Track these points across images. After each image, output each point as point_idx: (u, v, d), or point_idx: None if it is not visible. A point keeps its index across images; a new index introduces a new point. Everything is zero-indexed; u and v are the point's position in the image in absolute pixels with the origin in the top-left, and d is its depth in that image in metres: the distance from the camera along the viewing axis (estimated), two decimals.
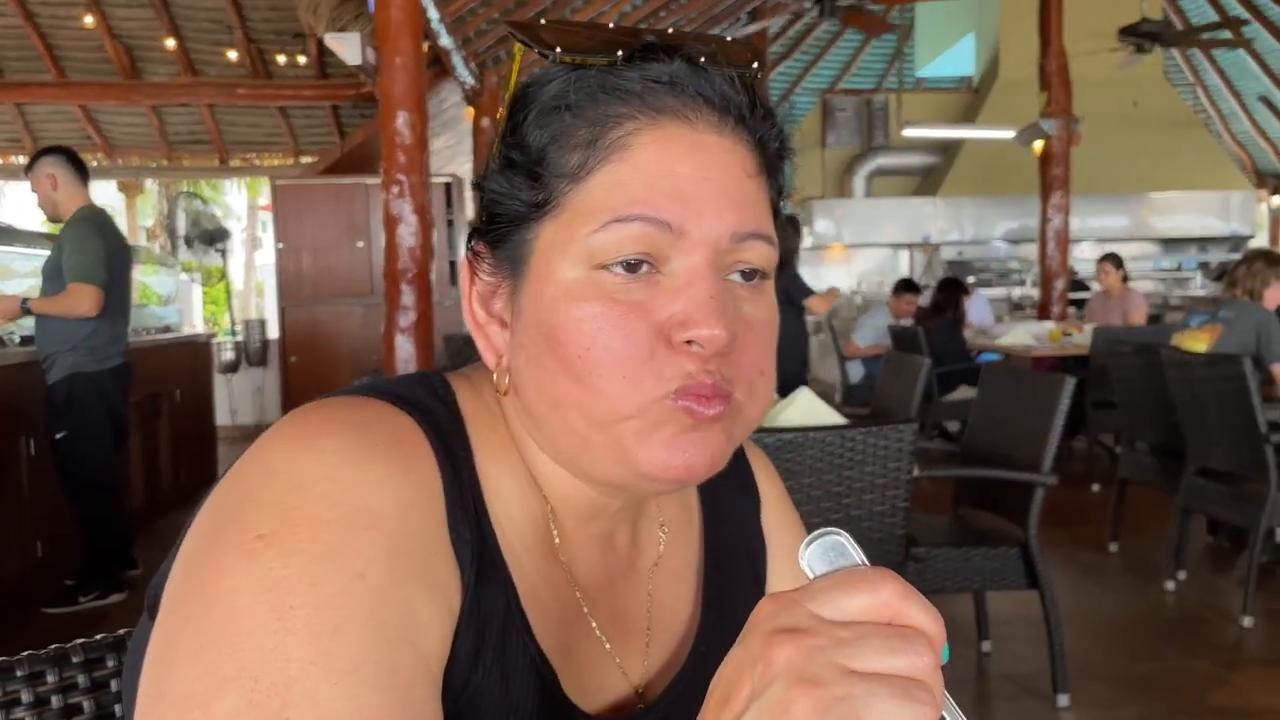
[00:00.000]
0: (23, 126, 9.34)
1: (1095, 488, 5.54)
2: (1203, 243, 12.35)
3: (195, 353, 6.04)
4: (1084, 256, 10.90)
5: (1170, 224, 12.20)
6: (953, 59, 13.32)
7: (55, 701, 0.76)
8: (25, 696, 0.75)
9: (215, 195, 15.98)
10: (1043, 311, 8.13)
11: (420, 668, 0.50)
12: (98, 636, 0.80)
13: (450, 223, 7.84)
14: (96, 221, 3.72)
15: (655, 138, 0.55)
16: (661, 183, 0.54)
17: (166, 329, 6.37)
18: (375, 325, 7.36)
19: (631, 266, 0.54)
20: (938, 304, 6.80)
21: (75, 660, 0.78)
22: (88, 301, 3.58)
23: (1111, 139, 11.27)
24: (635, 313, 0.54)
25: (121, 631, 0.81)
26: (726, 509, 0.74)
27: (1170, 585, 3.80)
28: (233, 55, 8.51)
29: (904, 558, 2.46)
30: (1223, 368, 3.43)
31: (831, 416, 2.67)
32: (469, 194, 8.77)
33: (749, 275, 0.57)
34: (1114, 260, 6.87)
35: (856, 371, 7.15)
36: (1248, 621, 3.37)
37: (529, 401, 0.58)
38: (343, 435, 0.53)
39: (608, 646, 0.63)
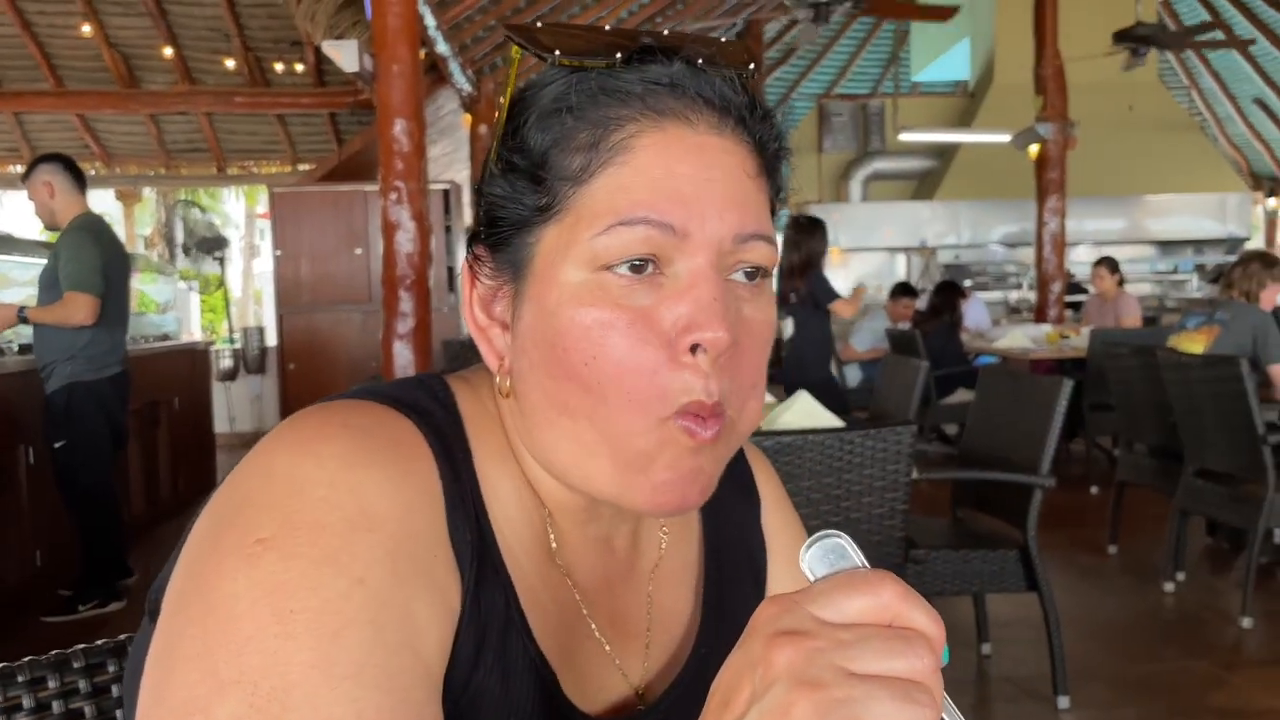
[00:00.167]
0: (20, 136, 9.35)
1: (1093, 490, 5.55)
2: (1199, 245, 12.36)
3: (194, 360, 6.04)
4: (1080, 259, 10.91)
5: (1166, 226, 12.22)
6: (948, 64, 13.34)
7: (57, 707, 0.76)
8: (26, 702, 0.75)
9: (213, 203, 15.98)
10: (1040, 314, 8.14)
11: (420, 670, 0.50)
12: (99, 642, 0.80)
13: (448, 229, 7.84)
14: (93, 230, 3.71)
15: (657, 140, 0.55)
16: (664, 185, 0.55)
17: (165, 337, 6.37)
18: (374, 332, 7.38)
19: (636, 268, 0.54)
20: (935, 307, 6.81)
21: (76, 666, 0.78)
22: (83, 310, 3.58)
23: (1107, 142, 11.29)
24: (641, 321, 0.54)
25: (123, 637, 0.81)
26: (727, 511, 0.74)
27: (1169, 587, 3.80)
28: (230, 64, 8.52)
29: (903, 560, 2.46)
30: (1219, 369, 3.43)
31: (830, 420, 2.67)
32: (467, 200, 8.78)
33: (750, 275, 0.57)
34: (1109, 264, 6.88)
35: (854, 375, 7.16)
36: (1247, 622, 3.37)
37: (532, 405, 0.58)
38: (342, 439, 0.53)
39: (607, 648, 0.63)
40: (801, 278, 4.75)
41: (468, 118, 8.12)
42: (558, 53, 0.56)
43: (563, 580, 0.62)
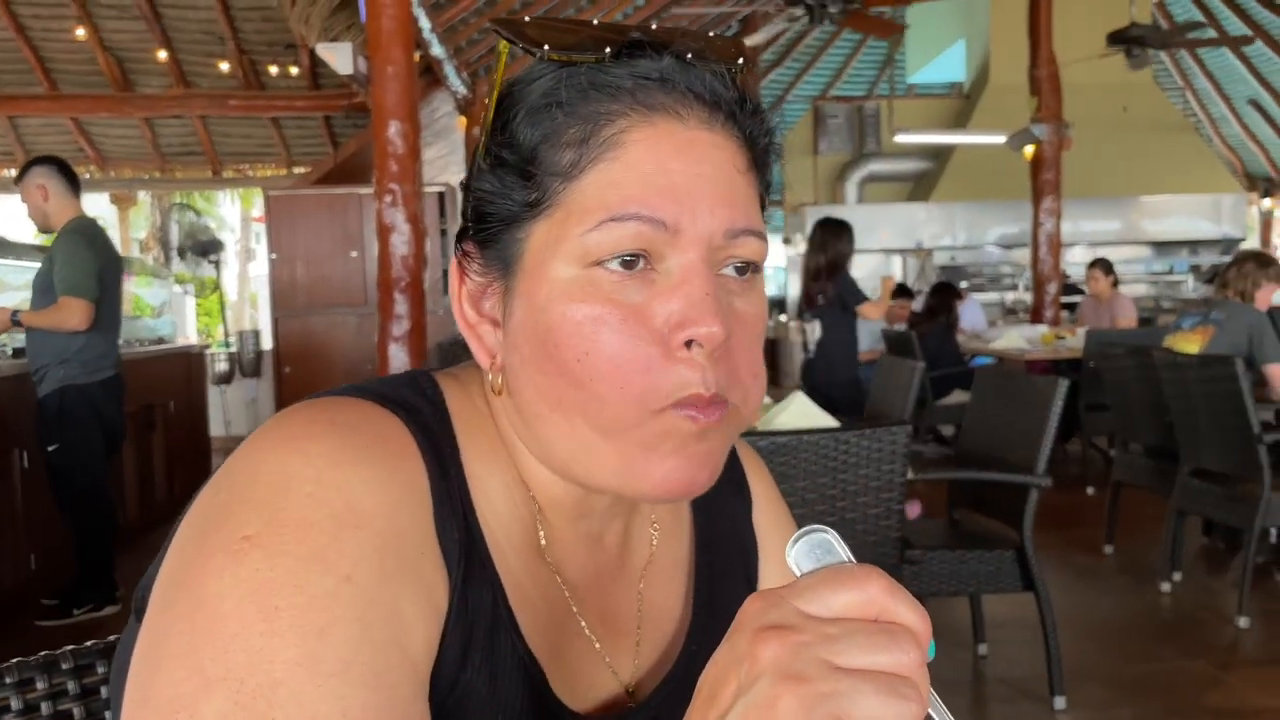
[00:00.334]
0: (15, 139, 9.34)
1: (1090, 490, 5.55)
2: (1194, 245, 12.39)
3: (189, 364, 6.02)
4: (1076, 260, 10.93)
5: (1162, 227, 12.24)
6: (943, 65, 13.37)
7: (45, 708, 0.75)
8: (14, 703, 0.75)
9: (208, 207, 15.96)
10: (1035, 315, 8.15)
11: (407, 668, 0.50)
12: (88, 643, 0.79)
13: (443, 232, 7.84)
14: (88, 233, 3.70)
15: (647, 135, 0.55)
16: (655, 180, 0.54)
17: (160, 340, 6.36)
18: (369, 335, 7.36)
19: (627, 264, 0.54)
20: (931, 309, 6.81)
21: (65, 667, 0.77)
22: (78, 315, 3.57)
23: (1102, 143, 11.32)
24: (633, 316, 0.54)
25: (112, 638, 0.80)
26: (718, 508, 0.74)
27: (1166, 587, 3.80)
28: (225, 67, 8.52)
29: (899, 560, 2.46)
30: (1215, 369, 3.44)
31: (825, 420, 2.67)
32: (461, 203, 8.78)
33: (741, 270, 0.57)
34: (1103, 266, 6.89)
35: None
36: (1243, 622, 3.37)
37: (524, 402, 0.58)
38: (329, 436, 0.53)
39: (597, 646, 0.63)
40: (829, 279, 4.79)
41: (463, 120, 8.12)
42: (546, 47, 0.55)
43: (552, 578, 0.62)
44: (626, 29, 0.57)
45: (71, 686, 0.77)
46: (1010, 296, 11.46)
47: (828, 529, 0.42)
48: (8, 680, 0.75)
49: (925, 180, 12.95)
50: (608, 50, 0.56)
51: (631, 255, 0.54)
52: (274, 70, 8.55)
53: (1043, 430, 2.66)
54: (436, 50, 6.64)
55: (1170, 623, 3.54)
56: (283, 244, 7.58)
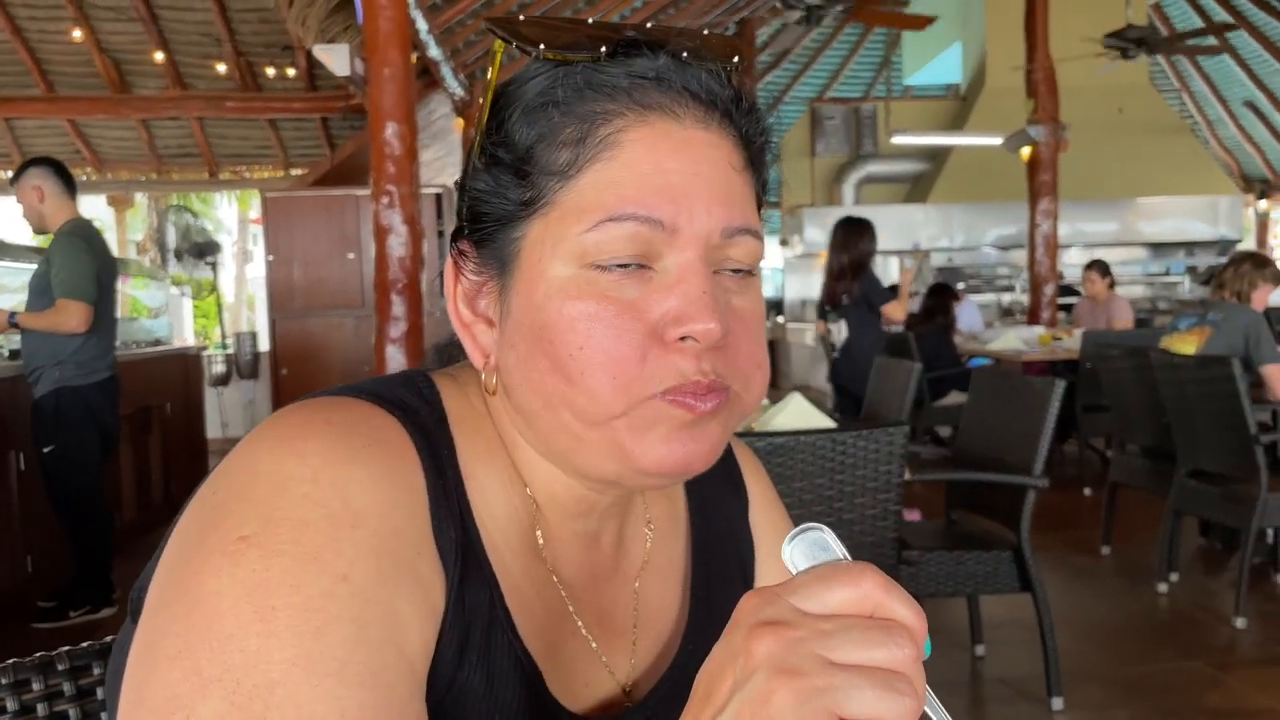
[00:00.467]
0: (11, 141, 9.32)
1: (1087, 491, 5.56)
2: (1190, 247, 12.42)
3: (186, 365, 6.02)
4: (1073, 262, 10.95)
5: (1158, 229, 12.27)
6: (940, 67, 13.39)
7: (41, 709, 0.75)
8: (10, 704, 0.75)
9: (205, 209, 15.95)
10: (1032, 316, 8.16)
11: (404, 668, 0.49)
12: (83, 644, 0.79)
13: (440, 233, 7.84)
14: (85, 236, 3.70)
15: (644, 134, 0.55)
16: (653, 180, 0.54)
17: (157, 342, 6.35)
18: (367, 336, 7.35)
19: (624, 263, 0.54)
20: (928, 310, 6.82)
21: (61, 668, 0.77)
22: (76, 318, 3.57)
23: (1099, 145, 11.33)
24: (629, 312, 0.54)
25: (108, 639, 0.80)
26: (714, 507, 0.74)
27: (1163, 587, 3.80)
28: (222, 68, 8.51)
29: (897, 561, 2.46)
30: (1212, 370, 3.44)
31: (823, 421, 2.67)
32: None
33: (738, 269, 0.57)
34: (1100, 268, 6.89)
35: None
36: (1240, 623, 3.38)
37: (520, 400, 0.58)
38: (325, 436, 0.53)
39: (594, 645, 0.63)
40: (854, 279, 4.82)
41: (460, 122, 8.11)
42: (542, 47, 0.55)
43: (549, 577, 0.62)
44: (622, 28, 0.57)
45: (68, 688, 0.77)
46: (1007, 298, 11.47)
47: (823, 527, 0.42)
48: (3, 681, 0.75)
49: (922, 182, 12.97)
50: (603, 49, 0.56)
51: (629, 255, 0.54)
52: (271, 72, 8.55)
53: (1040, 431, 2.66)
54: (433, 52, 6.64)
55: (1167, 623, 3.54)
56: (280, 246, 7.57)
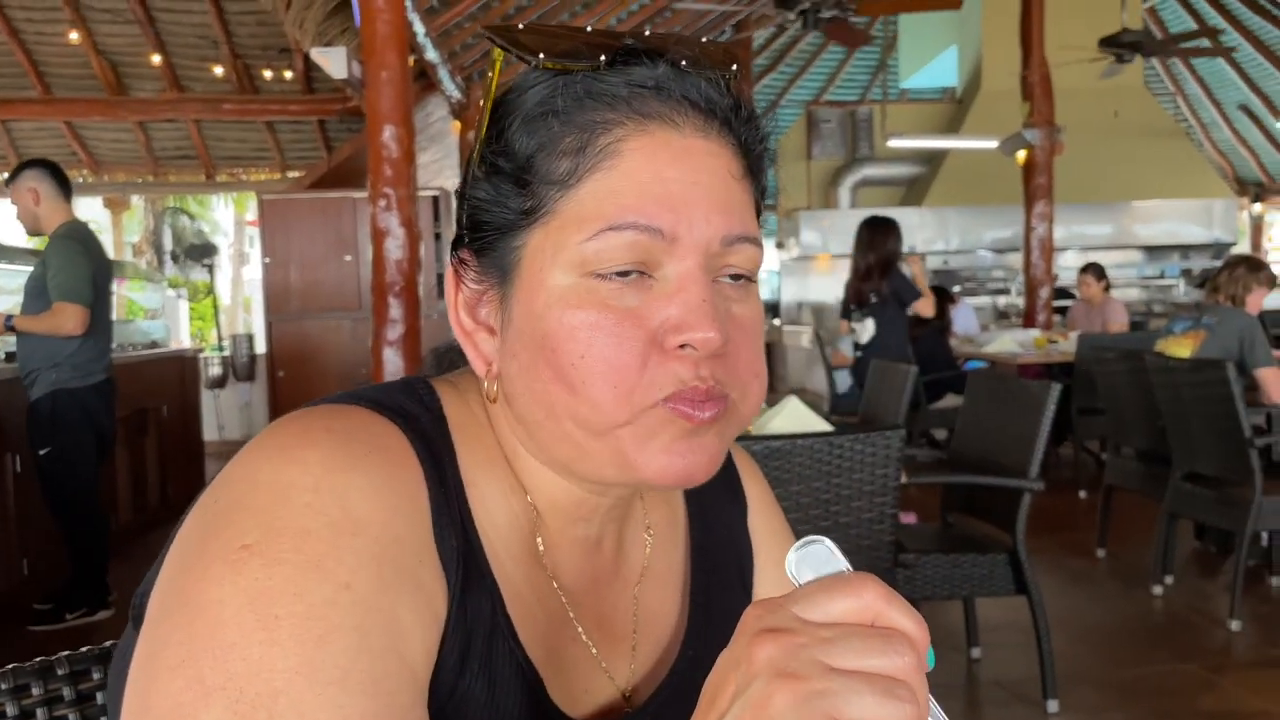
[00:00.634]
0: (8, 143, 9.32)
1: (1082, 494, 5.57)
2: (1185, 250, 12.44)
3: (183, 368, 6.01)
4: (1068, 265, 10.97)
5: (1153, 231, 12.30)
6: (936, 70, 13.42)
7: (41, 715, 0.75)
8: (10, 710, 0.75)
9: (202, 211, 15.93)
10: (1028, 319, 8.17)
11: (406, 675, 0.50)
12: (83, 649, 0.79)
13: (438, 236, 7.84)
14: (80, 238, 3.69)
15: (644, 144, 0.55)
16: (652, 189, 0.54)
17: (154, 344, 6.34)
18: (364, 339, 7.36)
19: (624, 272, 0.54)
20: None
21: (60, 673, 0.77)
22: (73, 320, 3.56)
23: (1094, 148, 11.36)
24: (629, 320, 0.54)
25: (108, 644, 0.80)
26: (713, 513, 0.74)
27: (1158, 590, 3.81)
28: (219, 71, 8.51)
29: (893, 564, 2.46)
30: (1206, 373, 3.45)
31: (819, 424, 2.68)
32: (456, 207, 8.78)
33: (737, 276, 0.58)
34: (1095, 271, 6.91)
35: (844, 381, 7.17)
36: (1235, 625, 3.38)
37: (521, 408, 0.58)
38: (326, 444, 0.53)
39: (594, 651, 0.63)
40: (882, 278, 4.87)
41: (457, 124, 8.12)
42: (542, 56, 0.56)
43: (549, 584, 0.62)
44: (620, 36, 0.57)
45: (67, 692, 0.77)
46: (1003, 300, 11.49)
47: (826, 540, 0.43)
48: (3, 686, 0.75)
49: (918, 185, 12.98)
50: (602, 58, 0.56)
51: (629, 263, 0.54)
52: (268, 74, 8.54)
53: (1035, 434, 2.67)
54: (431, 55, 6.65)
55: (1162, 626, 3.55)
56: (277, 248, 7.57)
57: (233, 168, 9.83)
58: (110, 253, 8.88)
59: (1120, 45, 8.02)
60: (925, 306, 5.02)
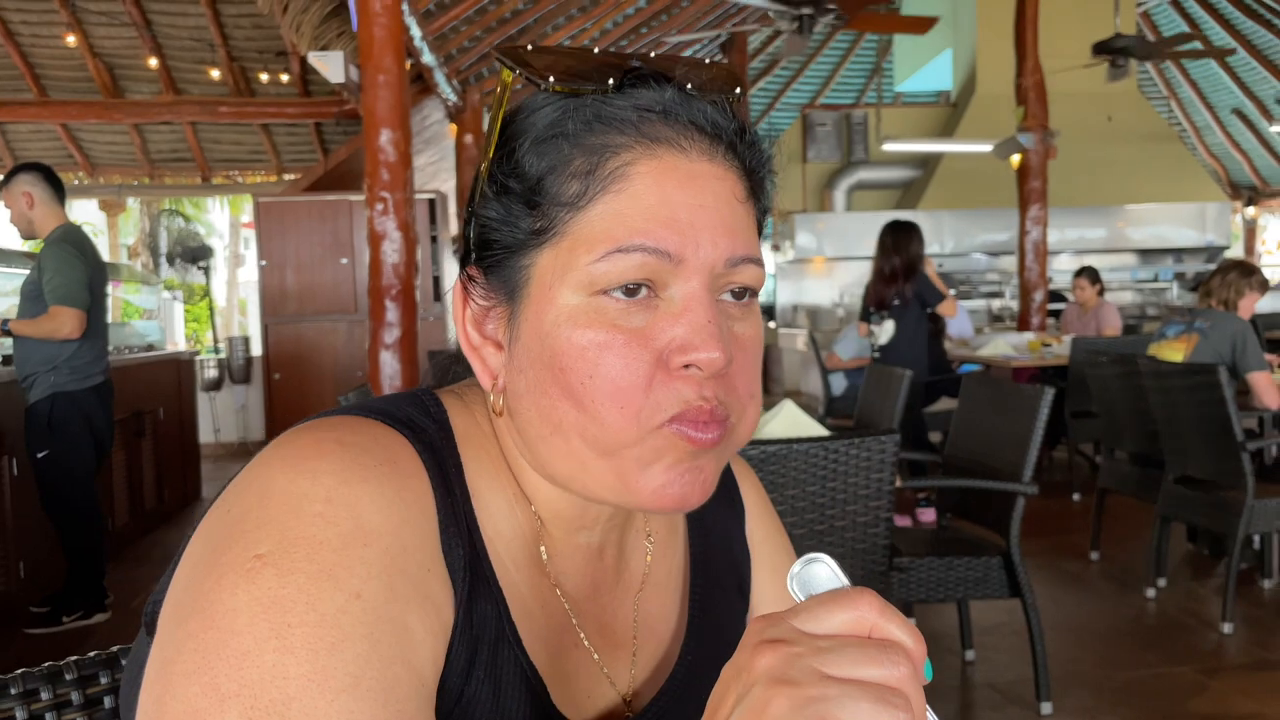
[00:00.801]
0: (3, 145, 9.31)
1: (1076, 497, 5.59)
2: (1179, 253, 12.49)
3: (179, 370, 6.01)
4: (1062, 268, 11.01)
5: (1147, 235, 12.34)
6: (931, 74, 13.45)
7: (49, 718, 0.76)
8: (19, 714, 0.76)
9: (197, 212, 15.91)
10: (1022, 323, 8.20)
11: (414, 682, 0.51)
12: (91, 654, 0.80)
13: (434, 238, 7.84)
14: (75, 242, 3.69)
15: (652, 168, 0.57)
16: (660, 212, 0.56)
17: (150, 347, 6.34)
18: (360, 341, 7.37)
19: (631, 291, 0.56)
20: None
21: (69, 677, 0.78)
22: (70, 324, 3.57)
23: (1088, 152, 11.40)
24: (637, 340, 0.55)
25: (115, 648, 0.81)
26: (711, 520, 0.75)
27: (1151, 593, 3.83)
28: (215, 74, 8.50)
29: (888, 567, 2.48)
30: (1199, 377, 3.47)
31: (815, 429, 2.69)
32: (453, 210, 8.78)
33: (738, 294, 0.59)
34: (1090, 275, 6.93)
35: (839, 384, 7.19)
36: (1227, 628, 3.41)
37: (526, 423, 0.59)
38: (337, 456, 0.54)
39: (595, 657, 0.65)
40: (907, 281, 4.92)
41: (453, 127, 8.13)
42: (552, 79, 0.57)
43: (553, 591, 0.64)
44: (627, 57, 0.59)
45: (75, 697, 0.78)
46: (997, 304, 11.52)
47: (825, 556, 0.45)
48: (13, 691, 0.76)
49: (913, 188, 13.01)
50: (610, 81, 0.57)
51: (636, 284, 0.56)
52: (264, 77, 8.54)
53: (1029, 438, 2.69)
54: (427, 58, 6.65)
55: (1155, 628, 3.57)
56: (273, 250, 7.57)
57: (229, 170, 9.83)
58: (105, 255, 8.87)
59: (1113, 50, 8.05)
60: (949, 308, 5.10)
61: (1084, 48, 8.76)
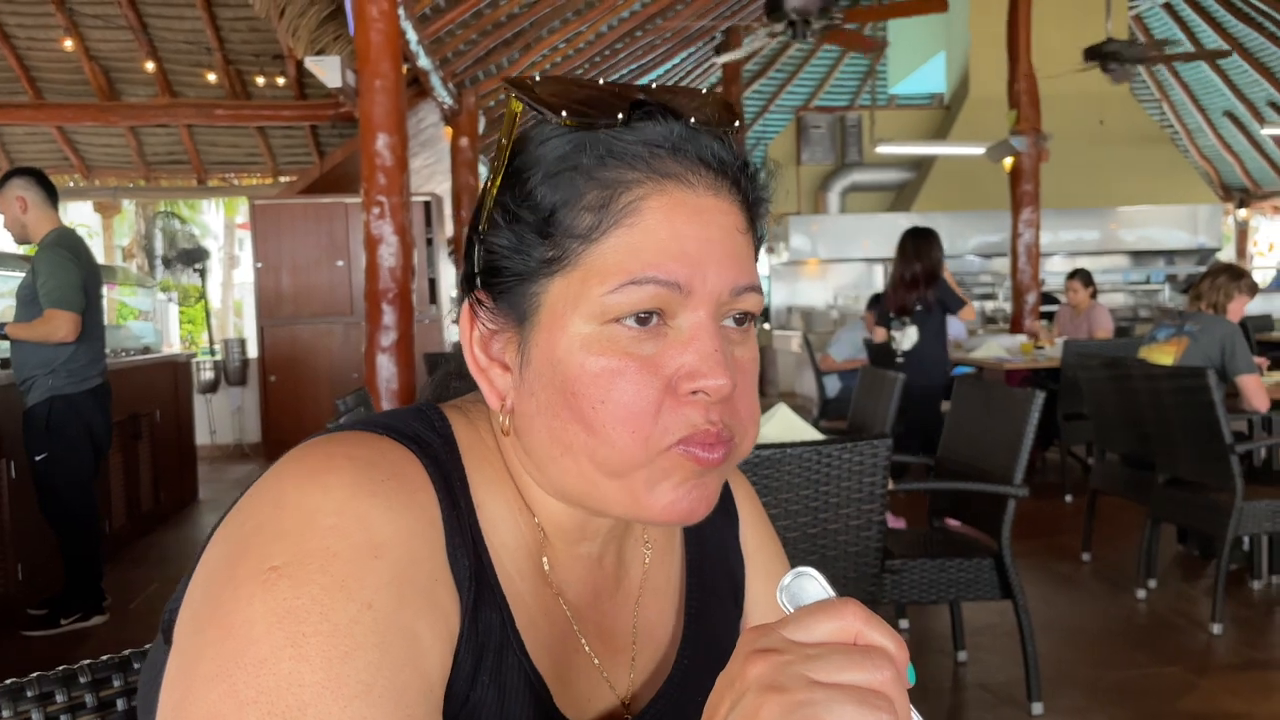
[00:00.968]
0: None
1: (1068, 498, 5.62)
2: (1171, 255, 12.55)
3: (175, 373, 6.02)
4: (1054, 270, 11.05)
5: (1139, 237, 12.40)
6: (924, 77, 13.51)
7: None
8: (35, 716, 0.78)
9: (192, 214, 15.90)
10: (1015, 325, 8.23)
11: (423, 688, 0.53)
12: (104, 657, 0.82)
13: (430, 241, 7.86)
14: (70, 245, 3.71)
15: (662, 203, 0.59)
16: (671, 247, 0.59)
17: (146, 349, 6.35)
18: (356, 344, 7.39)
19: (642, 320, 0.59)
20: None
21: (83, 680, 0.80)
22: (65, 328, 3.59)
23: (1080, 155, 11.45)
24: (647, 368, 0.58)
25: (127, 652, 0.83)
26: (707, 529, 0.78)
27: (1141, 594, 3.87)
28: (212, 77, 8.51)
29: (880, 569, 2.50)
30: (1188, 380, 3.51)
31: (808, 432, 2.72)
32: (448, 213, 8.80)
33: (740, 320, 0.62)
34: (1082, 277, 6.96)
35: (833, 386, 7.22)
36: (1217, 628, 3.44)
37: (536, 444, 0.62)
38: (348, 470, 0.56)
39: (596, 661, 0.67)
40: (928, 286, 4.99)
41: (449, 130, 8.15)
42: (564, 114, 0.59)
43: (555, 599, 0.66)
44: (632, 90, 0.61)
45: (89, 700, 0.80)
46: (990, 306, 11.57)
47: (813, 570, 0.48)
48: (29, 694, 0.78)
49: (907, 190, 13.06)
50: (619, 115, 0.60)
51: (646, 313, 0.59)
52: (260, 80, 8.55)
53: (1020, 440, 2.72)
54: (423, 62, 6.67)
55: (1146, 629, 3.60)
56: (269, 253, 7.58)
57: (225, 173, 9.83)
58: (100, 257, 8.88)
59: (1103, 55, 8.09)
60: (969, 313, 5.17)
61: (1076, 51, 8.81)
